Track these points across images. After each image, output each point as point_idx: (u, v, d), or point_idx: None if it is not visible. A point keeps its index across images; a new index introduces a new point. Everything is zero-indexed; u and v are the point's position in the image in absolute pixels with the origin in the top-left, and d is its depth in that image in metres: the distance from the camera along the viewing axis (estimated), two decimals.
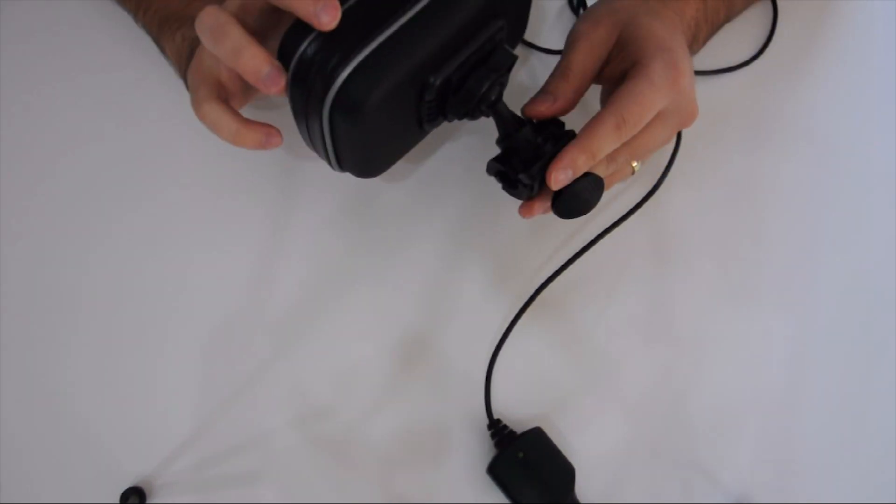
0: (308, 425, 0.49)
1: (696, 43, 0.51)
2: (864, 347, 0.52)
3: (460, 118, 0.44)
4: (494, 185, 0.55)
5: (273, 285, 0.52)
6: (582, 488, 0.48)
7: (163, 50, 0.51)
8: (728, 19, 0.55)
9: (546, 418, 0.50)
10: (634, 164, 0.46)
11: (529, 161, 0.43)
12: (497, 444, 0.48)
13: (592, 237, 0.50)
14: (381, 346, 0.51)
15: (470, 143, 0.56)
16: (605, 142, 0.42)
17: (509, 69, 0.43)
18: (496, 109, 0.43)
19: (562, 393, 0.51)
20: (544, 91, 0.45)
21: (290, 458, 0.49)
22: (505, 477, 0.47)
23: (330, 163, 0.42)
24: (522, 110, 0.45)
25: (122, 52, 0.56)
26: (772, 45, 0.59)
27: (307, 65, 0.36)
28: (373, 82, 0.36)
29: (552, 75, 0.45)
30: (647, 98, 0.42)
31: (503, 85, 0.44)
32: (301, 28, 0.36)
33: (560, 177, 0.42)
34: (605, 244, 0.50)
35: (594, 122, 0.42)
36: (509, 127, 0.44)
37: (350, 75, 0.36)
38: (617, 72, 0.46)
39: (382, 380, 0.50)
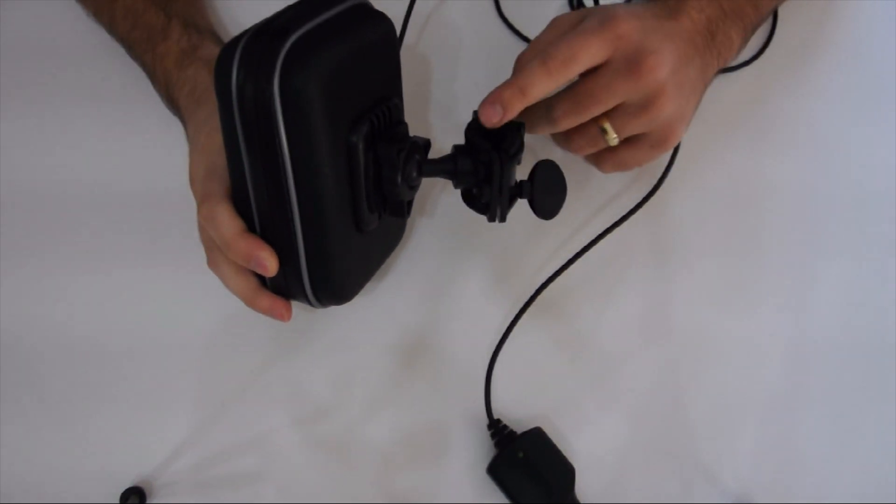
0: (308, 425, 0.49)
1: (722, 37, 0.48)
2: (864, 347, 0.52)
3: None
4: None
5: None
6: (582, 488, 0.48)
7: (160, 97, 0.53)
8: (762, 15, 0.52)
9: (546, 418, 0.50)
10: (606, 126, 0.44)
11: (486, 178, 0.43)
12: (497, 444, 0.48)
13: (593, 237, 0.50)
14: (381, 346, 0.51)
15: None
16: (533, 76, 0.41)
17: (403, 147, 0.42)
18: (427, 174, 0.44)
19: (562, 393, 0.51)
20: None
21: (290, 458, 0.49)
22: (505, 477, 0.47)
23: (308, 300, 0.44)
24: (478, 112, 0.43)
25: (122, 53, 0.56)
26: (772, 45, 0.59)
27: (279, 288, 0.43)
28: (329, 269, 0.41)
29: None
30: (576, 38, 0.41)
31: (413, 154, 0.42)
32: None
33: (488, 111, 0.41)
34: (606, 244, 0.50)
35: (521, 57, 0.42)
36: (449, 171, 0.44)
37: (313, 289, 0.41)
38: None
39: (382, 380, 0.50)
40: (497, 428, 0.49)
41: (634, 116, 0.44)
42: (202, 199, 0.42)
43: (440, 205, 0.54)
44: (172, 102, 0.50)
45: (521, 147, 0.43)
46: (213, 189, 0.41)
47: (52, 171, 0.54)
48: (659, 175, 0.51)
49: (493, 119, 0.41)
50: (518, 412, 0.50)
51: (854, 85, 0.58)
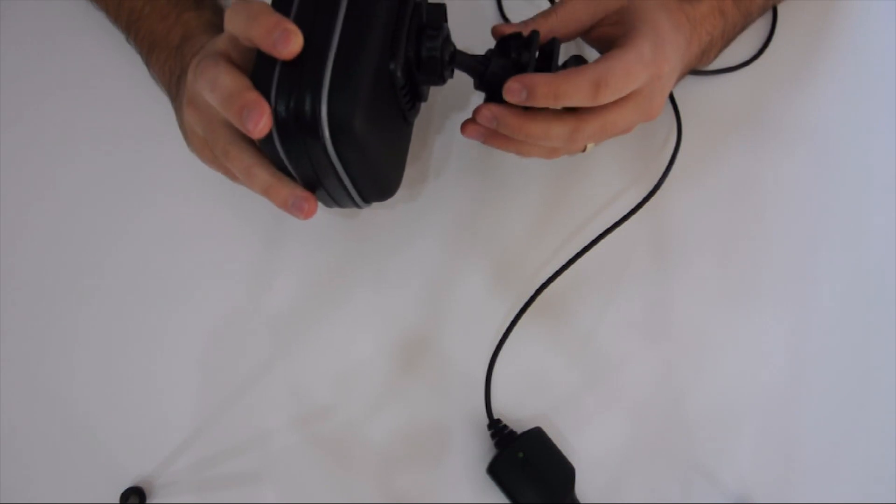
0: (308, 425, 0.49)
1: (706, 57, 0.51)
2: (864, 347, 0.52)
3: (430, 85, 0.44)
4: (493, 184, 0.55)
5: (273, 284, 0.52)
6: (582, 488, 0.48)
7: (153, 76, 0.51)
8: (744, 29, 0.54)
9: (546, 418, 0.50)
10: (591, 145, 0.45)
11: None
12: (497, 444, 0.48)
13: (593, 237, 0.50)
14: (381, 347, 0.51)
15: (467, 143, 0.56)
16: (577, 92, 0.40)
17: (445, 18, 0.42)
18: (459, 61, 0.43)
19: (562, 393, 0.51)
20: (526, 21, 0.44)
21: (290, 458, 0.49)
22: (505, 477, 0.47)
23: (355, 201, 0.42)
24: (492, 29, 0.44)
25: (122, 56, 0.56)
26: (772, 45, 0.59)
27: (286, 125, 0.36)
28: (351, 99, 0.36)
29: (542, 12, 0.45)
30: (634, 68, 0.41)
31: (448, 35, 0.43)
32: (264, 64, 0.36)
33: (514, 89, 0.40)
34: (606, 244, 0.50)
35: (578, 69, 0.41)
36: (480, 68, 0.43)
37: (330, 107, 0.35)
38: (605, 35, 0.45)
39: (382, 380, 0.50)
40: (497, 428, 0.49)
41: (621, 132, 0.45)
42: (201, 56, 0.39)
43: (440, 204, 0.54)
44: (180, 55, 0.48)
45: (555, 49, 0.43)
46: (216, 44, 0.39)
47: (55, 150, 0.54)
48: (659, 175, 0.51)
49: (513, 97, 0.40)
50: (518, 412, 0.50)
51: (854, 85, 0.58)
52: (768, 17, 0.59)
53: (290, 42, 0.34)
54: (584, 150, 0.46)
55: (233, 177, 0.44)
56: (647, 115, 0.45)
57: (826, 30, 0.60)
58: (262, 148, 0.38)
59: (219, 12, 0.52)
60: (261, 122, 0.35)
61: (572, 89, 0.40)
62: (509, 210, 0.54)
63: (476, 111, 0.43)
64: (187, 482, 0.48)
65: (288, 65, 0.35)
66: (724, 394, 0.51)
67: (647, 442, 0.50)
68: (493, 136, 0.45)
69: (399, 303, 0.52)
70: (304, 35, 0.35)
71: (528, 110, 0.42)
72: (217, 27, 0.49)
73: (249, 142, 0.40)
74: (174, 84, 0.48)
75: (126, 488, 0.47)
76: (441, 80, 0.43)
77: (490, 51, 0.44)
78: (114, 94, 0.56)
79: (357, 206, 0.43)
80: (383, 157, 0.42)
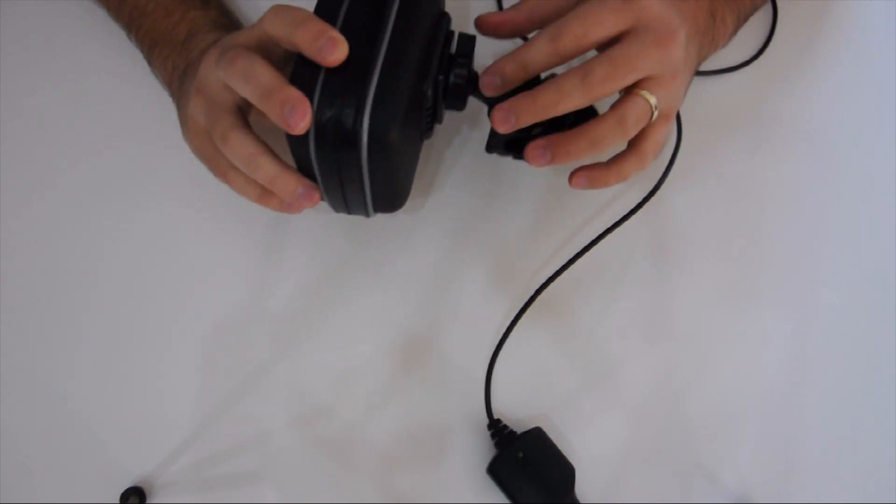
0: (308, 425, 0.49)
1: (719, 22, 0.48)
2: (863, 347, 0.52)
3: (450, 110, 0.45)
4: (493, 184, 0.55)
5: (273, 285, 0.52)
6: (582, 488, 0.48)
7: (154, 72, 0.51)
8: (755, 6, 0.53)
9: (546, 418, 0.50)
10: (645, 93, 0.41)
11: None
12: (497, 444, 0.48)
13: (593, 237, 0.50)
14: (381, 347, 0.51)
15: (467, 144, 0.56)
16: (538, 52, 0.39)
17: (473, 49, 0.43)
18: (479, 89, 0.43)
19: (562, 393, 0.51)
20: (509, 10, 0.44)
21: (290, 458, 0.49)
22: (505, 477, 0.47)
23: (367, 211, 0.43)
24: (476, 21, 0.44)
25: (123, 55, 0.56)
26: (772, 45, 0.59)
27: (325, 129, 0.37)
28: (392, 114, 0.37)
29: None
30: (592, 12, 0.39)
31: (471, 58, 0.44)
32: (307, 70, 0.37)
33: (487, 81, 0.40)
34: (606, 244, 0.50)
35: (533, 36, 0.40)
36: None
37: (371, 121, 0.36)
38: None
39: (382, 380, 0.50)
40: (497, 428, 0.49)
41: (659, 89, 0.42)
42: (225, 48, 0.39)
43: (440, 204, 0.54)
44: (185, 51, 0.48)
45: None
46: (240, 39, 0.40)
47: (55, 148, 0.54)
48: (659, 175, 0.51)
49: (490, 90, 0.40)
50: (518, 412, 0.50)
51: (854, 84, 0.58)
52: (768, 16, 0.60)
53: (335, 50, 0.35)
54: (652, 110, 0.41)
55: (223, 173, 0.43)
56: (658, 44, 0.40)
57: (826, 29, 0.60)
58: (291, 145, 0.39)
59: (225, 13, 0.52)
60: (303, 121, 0.35)
61: (533, 50, 0.40)
62: (509, 210, 0.54)
63: (493, 119, 0.41)
64: (187, 482, 0.48)
65: (332, 72, 0.36)
66: (724, 394, 0.51)
67: (647, 442, 0.50)
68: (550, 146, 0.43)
69: (399, 303, 0.52)
70: (349, 46, 0.36)
71: (531, 90, 0.40)
72: (223, 26, 0.50)
73: (252, 132, 0.40)
74: (177, 78, 0.47)
75: (126, 488, 0.47)
76: (462, 106, 0.44)
77: (476, 23, 0.45)
78: (115, 93, 0.56)
79: (366, 215, 0.44)
80: (404, 173, 0.43)
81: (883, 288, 0.54)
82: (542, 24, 0.44)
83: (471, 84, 0.43)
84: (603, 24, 0.39)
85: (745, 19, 0.52)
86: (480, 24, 0.45)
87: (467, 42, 0.43)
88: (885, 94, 0.58)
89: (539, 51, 0.39)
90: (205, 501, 0.48)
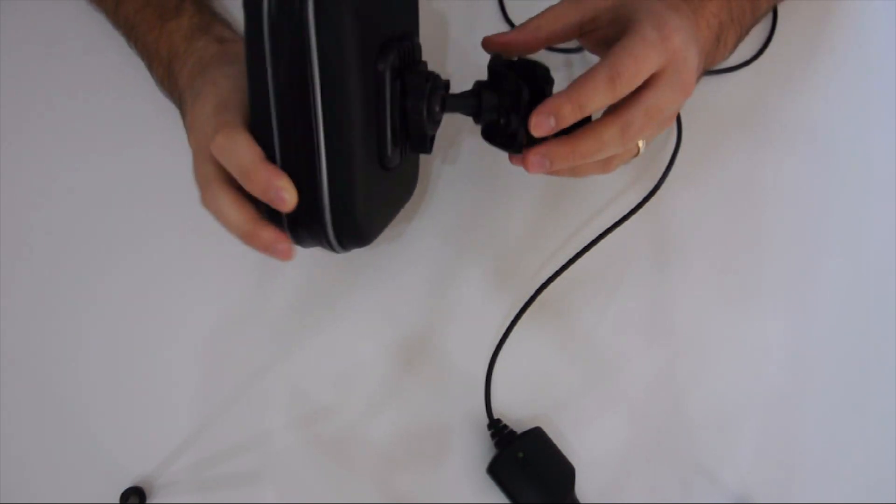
0: (308, 425, 0.49)
1: (722, 45, 0.49)
2: (864, 347, 0.52)
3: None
4: (494, 184, 0.55)
5: (273, 285, 0.52)
6: (582, 488, 0.48)
7: (156, 84, 0.52)
8: (756, 20, 0.53)
9: (546, 418, 0.50)
10: (640, 143, 0.44)
11: (513, 107, 0.42)
12: (497, 444, 0.48)
13: (593, 237, 0.50)
14: (381, 346, 0.51)
15: (467, 144, 0.56)
16: (596, 94, 0.40)
17: (428, 78, 0.42)
18: (449, 109, 0.43)
19: (562, 393, 0.51)
20: (516, 29, 0.44)
21: (290, 458, 0.49)
22: (505, 477, 0.47)
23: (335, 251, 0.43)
24: (483, 41, 0.44)
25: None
26: (772, 45, 0.59)
27: (300, 238, 0.40)
28: (351, 218, 0.39)
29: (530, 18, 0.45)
30: (641, 52, 0.40)
31: (437, 88, 0.42)
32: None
33: (541, 122, 0.40)
34: (606, 244, 0.50)
35: (586, 73, 0.40)
36: (472, 106, 0.43)
37: (334, 227, 0.39)
38: (603, 38, 0.45)
39: (382, 380, 0.50)
40: (497, 428, 0.49)
41: (662, 125, 0.44)
42: (217, 129, 0.40)
43: (440, 204, 0.54)
44: (172, 78, 0.49)
45: (547, 76, 0.43)
46: (229, 119, 0.40)
47: (55, 151, 0.54)
48: (659, 175, 0.51)
49: (542, 130, 0.40)
50: (518, 412, 0.50)
51: (854, 85, 0.58)
52: (768, 17, 0.59)
53: (285, 202, 0.37)
54: (637, 153, 0.45)
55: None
56: (683, 91, 0.43)
57: (826, 30, 0.60)
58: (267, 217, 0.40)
59: (201, 9, 0.51)
60: (289, 255, 0.39)
61: (591, 91, 0.40)
62: (510, 210, 0.54)
63: (525, 162, 0.42)
64: (187, 482, 0.48)
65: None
66: (724, 394, 0.51)
67: (647, 442, 0.50)
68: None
69: (399, 303, 0.52)
70: (291, 158, 0.38)
71: (569, 133, 0.41)
72: (199, 29, 0.49)
73: (232, 185, 0.40)
74: (176, 99, 0.48)
75: (126, 488, 0.47)
76: (429, 150, 0.44)
77: (478, 83, 0.44)
78: (116, 94, 0.56)
79: (329, 243, 0.43)
80: (378, 224, 0.44)
81: (883, 288, 0.54)
82: (548, 42, 0.45)
83: (435, 118, 0.42)
84: (649, 63, 0.40)
85: (747, 34, 0.52)
86: (488, 44, 0.45)
87: (416, 80, 0.41)
88: (886, 94, 0.58)
89: (598, 92, 0.40)
90: (205, 501, 0.48)
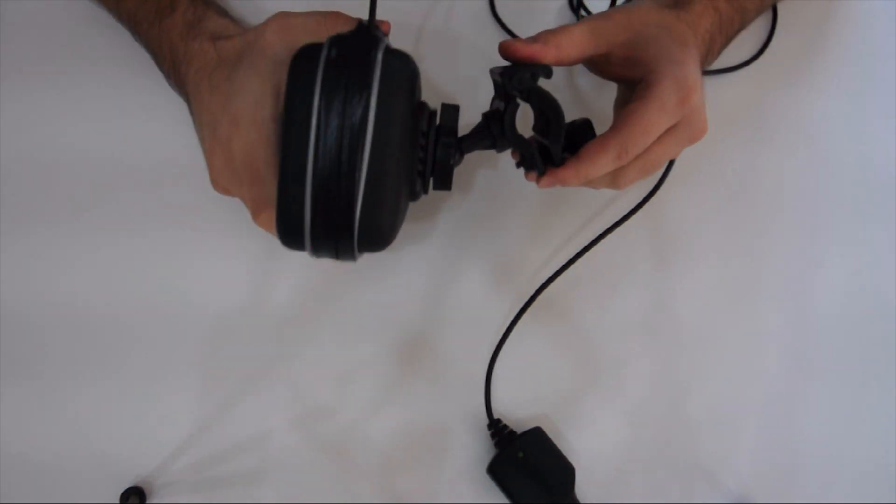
0: (308, 425, 0.49)
1: (710, 55, 0.50)
2: (863, 347, 0.52)
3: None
4: (494, 184, 0.55)
5: (273, 285, 0.52)
6: (582, 488, 0.48)
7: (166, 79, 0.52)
8: (742, 27, 0.54)
9: (546, 418, 0.50)
10: None
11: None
12: (497, 444, 0.48)
13: (593, 237, 0.50)
14: (381, 346, 0.51)
15: None
16: (604, 169, 0.42)
17: (453, 130, 0.43)
18: (467, 151, 0.44)
19: (562, 393, 0.51)
20: (528, 39, 0.44)
21: (290, 458, 0.49)
22: (505, 477, 0.47)
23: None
24: (500, 45, 0.44)
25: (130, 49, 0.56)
26: (772, 45, 0.59)
27: (319, 250, 0.41)
28: (378, 237, 0.40)
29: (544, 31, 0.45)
30: (655, 123, 0.41)
31: (455, 133, 0.44)
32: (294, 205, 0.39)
33: (545, 182, 0.43)
34: (606, 244, 0.50)
35: (596, 146, 0.41)
36: (488, 142, 0.44)
37: (359, 243, 0.39)
38: (620, 77, 0.45)
39: (382, 380, 0.50)
40: (497, 428, 0.49)
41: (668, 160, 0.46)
42: (257, 208, 0.43)
43: (440, 205, 0.54)
44: (178, 79, 0.49)
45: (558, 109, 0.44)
46: (265, 194, 0.42)
47: (57, 145, 0.54)
48: (659, 175, 0.51)
49: (543, 186, 0.44)
50: (518, 412, 0.50)
51: (854, 85, 0.58)
52: (768, 17, 0.59)
53: None
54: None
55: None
56: (691, 140, 0.44)
57: (826, 30, 0.60)
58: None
59: (195, 2, 0.51)
60: None
61: (599, 168, 0.42)
62: (509, 210, 0.54)
63: (540, 184, 0.45)
64: (187, 482, 0.48)
65: (318, 200, 0.38)
66: (724, 394, 0.51)
67: (648, 442, 0.50)
68: None
69: (399, 303, 0.52)
70: (330, 166, 0.37)
71: (576, 162, 0.43)
72: (192, 27, 0.49)
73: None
74: (184, 97, 0.48)
75: (126, 488, 0.47)
76: (449, 186, 0.45)
77: (486, 116, 0.44)
78: (115, 94, 0.56)
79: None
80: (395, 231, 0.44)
81: (883, 288, 0.54)
82: (570, 63, 0.44)
83: (460, 155, 0.44)
84: (661, 129, 0.42)
85: (731, 41, 0.53)
86: (511, 53, 0.44)
87: (447, 122, 0.43)
88: (886, 94, 0.58)
89: (604, 168, 0.42)
90: (205, 501, 0.48)
